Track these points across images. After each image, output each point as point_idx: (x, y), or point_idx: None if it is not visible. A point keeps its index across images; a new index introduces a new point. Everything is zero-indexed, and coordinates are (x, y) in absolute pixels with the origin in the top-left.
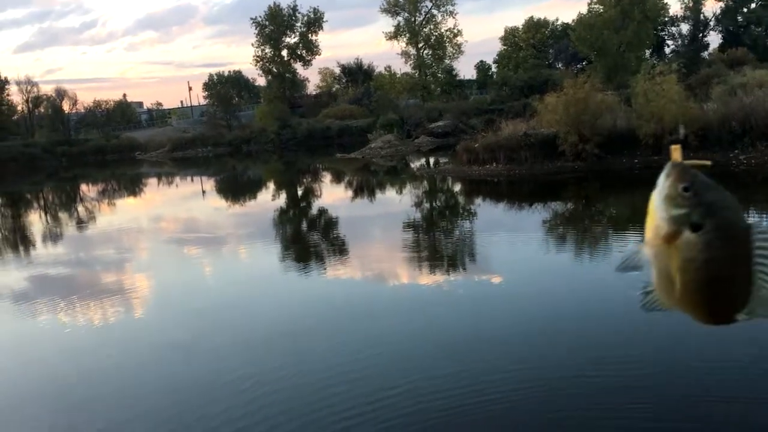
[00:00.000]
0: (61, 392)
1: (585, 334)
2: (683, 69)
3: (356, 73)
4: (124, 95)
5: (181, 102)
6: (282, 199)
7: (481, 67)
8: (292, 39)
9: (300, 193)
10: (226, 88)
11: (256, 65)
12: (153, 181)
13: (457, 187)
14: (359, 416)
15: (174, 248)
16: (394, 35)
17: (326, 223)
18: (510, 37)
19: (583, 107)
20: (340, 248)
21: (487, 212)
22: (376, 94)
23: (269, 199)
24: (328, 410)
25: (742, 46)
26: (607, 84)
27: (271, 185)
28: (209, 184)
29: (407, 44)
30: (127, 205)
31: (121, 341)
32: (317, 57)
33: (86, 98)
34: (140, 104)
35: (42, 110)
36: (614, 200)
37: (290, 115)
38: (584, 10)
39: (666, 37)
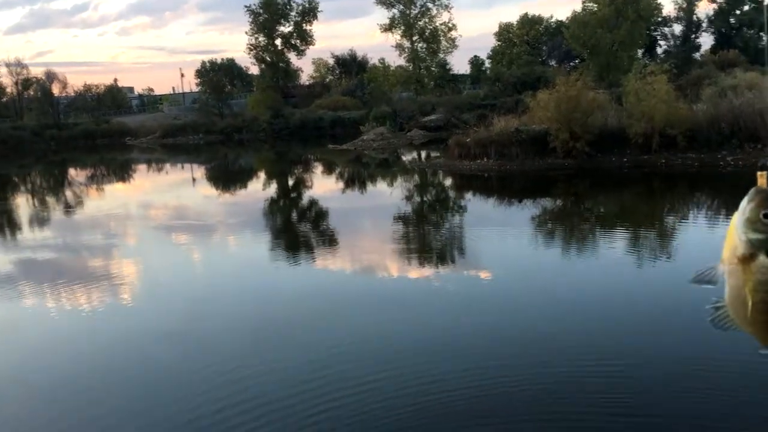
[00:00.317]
0: (39, 382)
1: (571, 328)
2: (674, 69)
3: (350, 65)
4: (115, 80)
5: (173, 88)
6: (273, 189)
7: (475, 62)
8: (286, 28)
9: (291, 183)
10: (218, 75)
11: (249, 53)
12: (143, 167)
13: (448, 182)
14: (338, 408)
15: (162, 235)
16: (389, 27)
17: (317, 215)
18: (504, 33)
19: (575, 105)
20: (329, 240)
21: (477, 207)
22: (370, 86)
23: (260, 189)
24: (307, 402)
25: (733, 48)
26: (600, 82)
27: (263, 175)
28: (200, 171)
29: (402, 37)
30: (116, 190)
31: (104, 329)
32: (311, 47)
33: (76, 82)
34: (131, 89)
35: (31, 93)
36: (603, 198)
37: (283, 105)
38: (578, 8)
39: (658, 38)
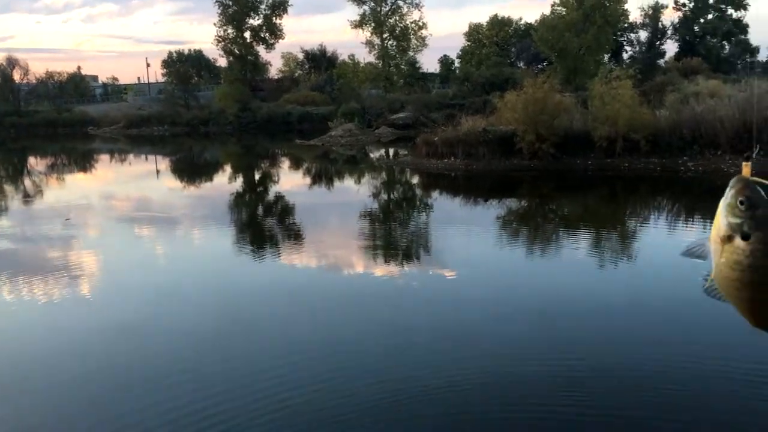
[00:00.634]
0: None
1: (534, 326)
2: (639, 75)
3: (319, 60)
4: (79, 68)
5: (138, 78)
6: (239, 183)
7: (445, 61)
8: (255, 21)
9: (258, 177)
10: (185, 66)
11: (217, 45)
12: (105, 157)
13: (415, 180)
14: (288, 408)
15: (124, 227)
16: (360, 24)
17: (282, 210)
18: (474, 33)
19: (542, 107)
20: (294, 235)
21: (444, 206)
22: (339, 82)
23: (226, 183)
24: (264, 400)
25: (696, 55)
26: (566, 85)
27: (229, 168)
28: (164, 163)
29: (372, 34)
30: (77, 180)
31: (60, 322)
32: (280, 41)
33: (38, 69)
34: (95, 78)
35: None
36: (567, 200)
37: (251, 98)
38: (547, 11)
39: (624, 43)
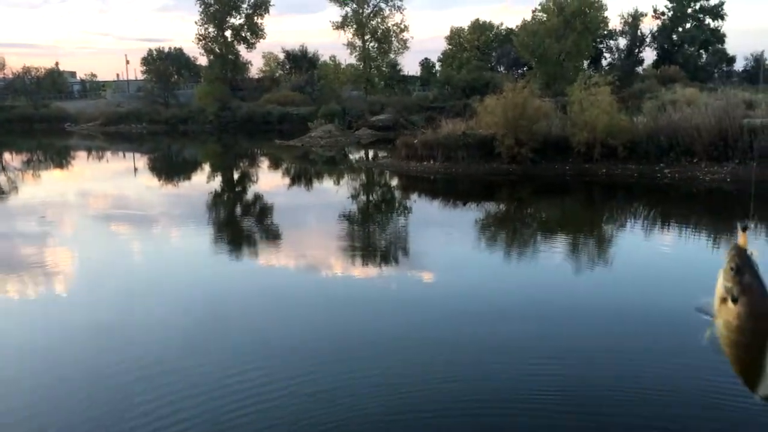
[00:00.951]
0: None
1: (510, 328)
2: (618, 82)
3: (300, 60)
4: (57, 63)
5: (117, 75)
6: (217, 183)
7: (426, 64)
8: (237, 20)
9: (237, 177)
10: (165, 64)
11: (198, 44)
12: (82, 154)
13: (394, 182)
14: (248, 408)
15: (100, 225)
16: (341, 25)
17: (261, 210)
18: (455, 37)
19: (521, 112)
20: (272, 236)
21: (422, 208)
22: (320, 83)
23: (204, 182)
24: (227, 399)
25: (674, 64)
26: (546, 91)
27: (207, 168)
28: (142, 161)
29: (353, 35)
30: (53, 177)
31: (33, 320)
32: (262, 41)
33: (15, 64)
34: (73, 74)
35: None
36: (545, 205)
37: (231, 98)
38: (528, 17)
39: (604, 50)
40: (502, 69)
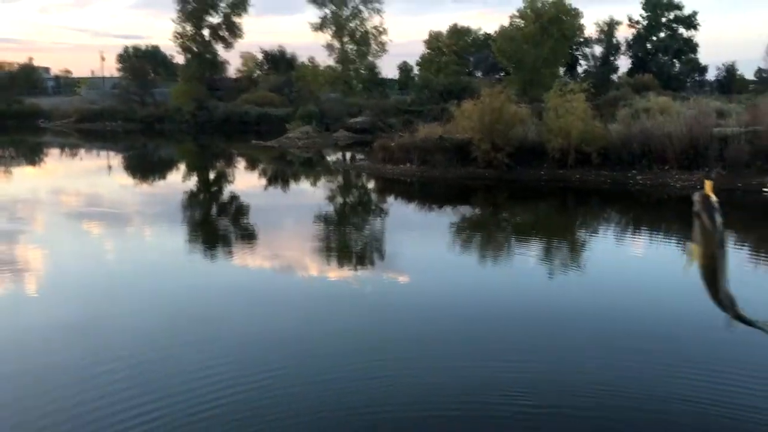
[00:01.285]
0: None
1: (483, 329)
2: (593, 89)
3: (279, 61)
4: (30, 59)
5: (92, 72)
6: (193, 182)
7: (404, 67)
8: (215, 19)
9: (213, 177)
10: (141, 62)
11: (175, 42)
12: (56, 151)
13: (371, 185)
14: (216, 409)
15: (73, 223)
16: (320, 27)
17: (236, 211)
18: (434, 41)
19: (498, 117)
20: (246, 236)
21: (398, 211)
22: (298, 85)
23: (179, 181)
24: (193, 393)
25: (648, 72)
26: (522, 96)
27: (183, 167)
28: (117, 159)
29: (332, 37)
30: (25, 174)
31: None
32: (240, 40)
33: None
34: (47, 70)
35: None
36: (520, 209)
37: (208, 97)
38: (506, 23)
39: (580, 57)
40: (479, 74)
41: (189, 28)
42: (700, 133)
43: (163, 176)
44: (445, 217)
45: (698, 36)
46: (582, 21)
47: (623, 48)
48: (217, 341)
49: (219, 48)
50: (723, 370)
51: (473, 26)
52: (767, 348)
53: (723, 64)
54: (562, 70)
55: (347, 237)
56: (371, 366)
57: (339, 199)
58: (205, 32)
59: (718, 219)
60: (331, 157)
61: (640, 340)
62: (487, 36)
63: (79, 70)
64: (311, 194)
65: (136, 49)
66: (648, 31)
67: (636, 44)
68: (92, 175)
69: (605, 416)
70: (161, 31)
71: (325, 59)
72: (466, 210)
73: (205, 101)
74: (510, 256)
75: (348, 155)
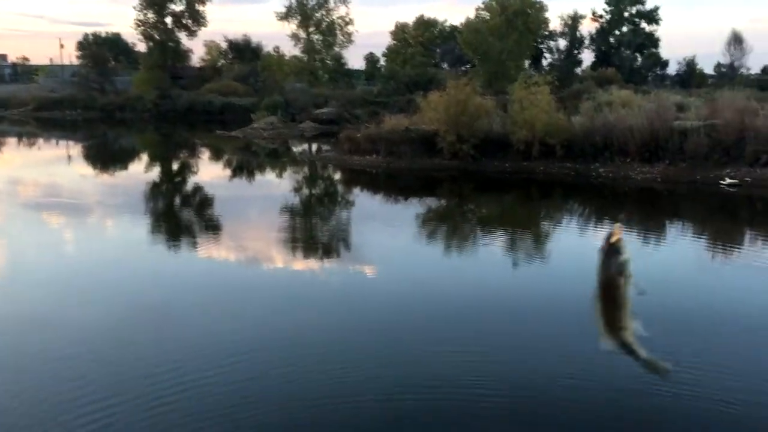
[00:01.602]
0: None
1: (446, 320)
2: (557, 82)
3: (243, 50)
4: None
5: (51, 60)
6: (155, 173)
7: (370, 59)
8: (177, 6)
9: (175, 168)
10: (102, 49)
11: (136, 29)
12: (12, 140)
13: (337, 176)
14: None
15: (31, 214)
16: (285, 16)
17: (200, 202)
18: (400, 32)
19: (463, 109)
20: (209, 227)
21: (364, 203)
22: (263, 74)
23: (141, 172)
24: (156, 387)
25: (611, 66)
26: (487, 88)
27: (145, 157)
28: (77, 149)
29: (298, 27)
30: None
31: None
32: (203, 28)
33: None
34: (4, 57)
35: None
36: (485, 201)
37: (171, 86)
38: (472, 15)
39: (544, 50)
40: (445, 66)
41: (151, 15)
42: (660, 127)
43: (124, 166)
44: (411, 209)
45: (660, 31)
46: (547, 14)
47: (587, 42)
48: (178, 333)
49: (182, 36)
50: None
51: (440, 18)
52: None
53: (683, 59)
54: (527, 63)
55: (313, 228)
56: (334, 355)
57: (305, 191)
58: (168, 20)
59: (618, 261)
60: (297, 148)
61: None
62: (454, 28)
63: (38, 58)
64: (277, 185)
65: (97, 36)
66: (611, 26)
67: (599, 38)
68: (51, 164)
69: (567, 400)
70: (122, 18)
71: (290, 49)
72: (431, 201)
73: (168, 90)
74: (475, 248)
75: (314, 146)
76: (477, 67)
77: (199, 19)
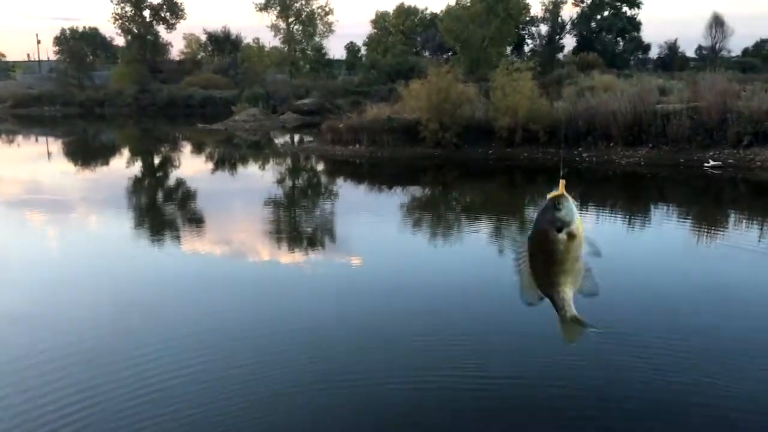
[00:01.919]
0: None
1: (430, 310)
2: (539, 68)
3: (223, 42)
4: None
5: (28, 55)
6: (137, 168)
7: (351, 48)
8: None
9: (157, 162)
10: (79, 44)
11: (114, 23)
12: None
13: (320, 167)
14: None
15: (12, 211)
16: (265, 7)
17: (183, 196)
18: (380, 21)
19: (445, 96)
20: (193, 221)
21: (348, 193)
22: (243, 66)
23: (123, 167)
24: (137, 377)
25: (593, 51)
26: (469, 76)
27: (126, 152)
28: (56, 145)
29: (277, 17)
30: None
31: None
32: (182, 21)
33: None
34: None
35: None
36: (469, 188)
37: (150, 80)
38: (452, 2)
39: (526, 36)
40: (427, 54)
41: (129, 8)
42: (643, 110)
43: (105, 162)
44: (396, 198)
45: (641, 15)
46: (527, 0)
47: (568, 27)
48: (163, 328)
49: (161, 29)
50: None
51: (420, 6)
52: None
53: (665, 42)
54: (508, 50)
55: (297, 220)
56: (316, 344)
57: (288, 182)
58: (146, 13)
59: (556, 215)
60: (279, 140)
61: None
62: (434, 15)
63: (14, 54)
64: (260, 178)
65: (74, 31)
66: (592, 10)
67: (581, 23)
68: (31, 161)
69: (556, 386)
70: (100, 12)
71: (270, 40)
72: (415, 190)
73: (147, 84)
74: (460, 235)
75: (296, 137)
76: (458, 54)
77: (177, 12)
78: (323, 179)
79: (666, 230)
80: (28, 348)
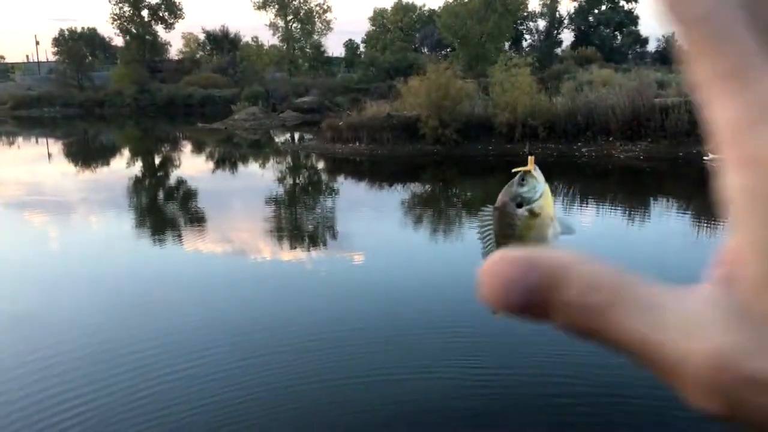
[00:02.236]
0: None
1: (432, 307)
2: (537, 63)
3: (222, 41)
4: None
5: (27, 57)
6: (137, 168)
7: (350, 45)
8: None
9: (158, 162)
10: (78, 45)
11: (113, 24)
12: None
13: (320, 165)
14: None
15: (13, 212)
16: (263, 5)
17: (184, 195)
18: (379, 17)
19: (444, 93)
20: (195, 220)
21: (349, 190)
22: (242, 65)
23: (123, 167)
24: (129, 374)
25: (591, 45)
26: (468, 72)
27: (127, 152)
28: (57, 146)
29: (276, 16)
30: None
31: None
32: (181, 21)
33: None
34: None
35: None
36: (469, 185)
37: (149, 80)
38: None
39: (524, 32)
40: (425, 50)
41: (127, 8)
42: (641, 104)
43: (105, 162)
44: (396, 195)
45: (639, 8)
46: None
47: (566, 22)
48: (164, 327)
49: (159, 29)
50: None
51: (418, 2)
52: None
53: (663, 36)
54: (507, 45)
55: (298, 218)
56: (318, 340)
57: (289, 181)
58: (144, 13)
59: (518, 190)
60: (280, 138)
61: None
62: (432, 12)
63: (13, 55)
64: (260, 176)
65: (72, 31)
66: (590, 5)
67: (578, 17)
68: (32, 162)
69: (552, 382)
70: (98, 12)
71: (269, 38)
72: (416, 187)
73: (147, 84)
74: (461, 231)
75: (296, 135)
76: (457, 50)
77: (175, 11)
78: (324, 177)
79: (665, 224)
80: (28, 348)
